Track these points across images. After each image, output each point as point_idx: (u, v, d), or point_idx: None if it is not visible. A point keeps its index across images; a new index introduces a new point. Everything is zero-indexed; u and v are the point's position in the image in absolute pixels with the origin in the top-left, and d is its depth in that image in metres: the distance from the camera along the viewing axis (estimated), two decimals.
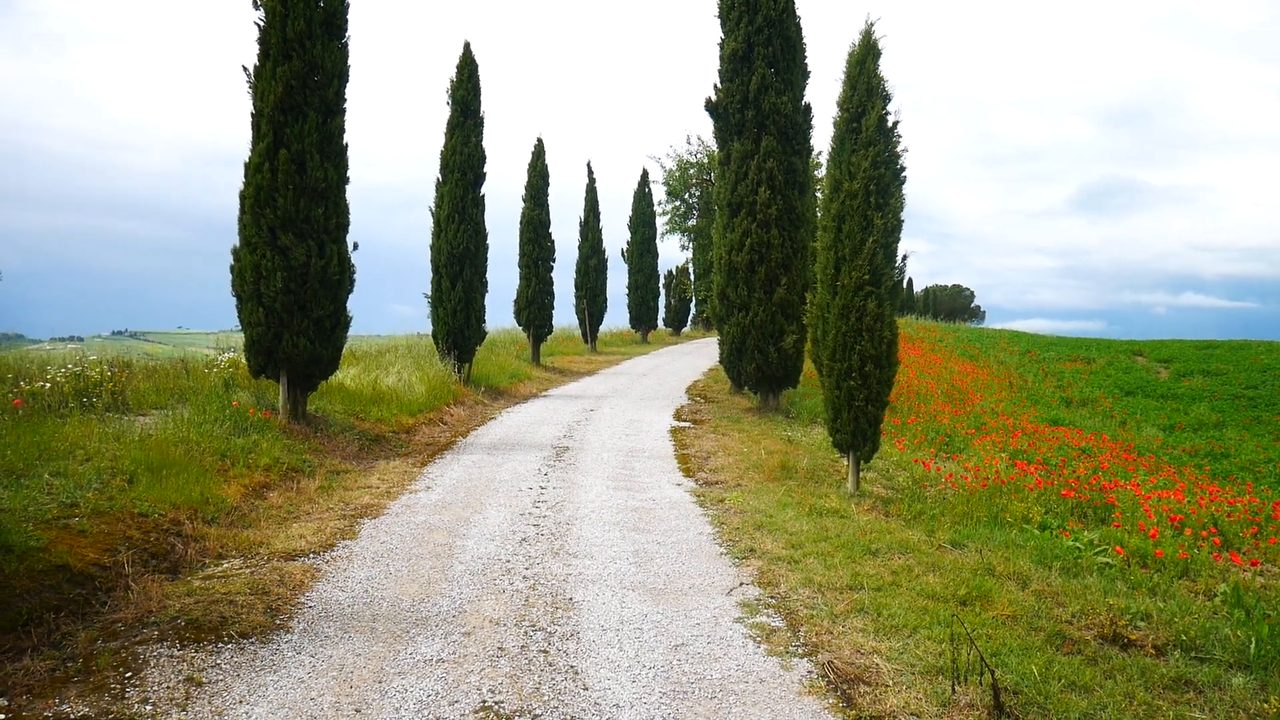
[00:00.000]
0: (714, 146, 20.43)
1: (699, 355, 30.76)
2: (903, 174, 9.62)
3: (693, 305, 43.99)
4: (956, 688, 4.40)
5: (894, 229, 9.53)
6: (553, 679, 4.50)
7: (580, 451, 11.85)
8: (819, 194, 17.37)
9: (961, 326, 49.86)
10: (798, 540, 7.40)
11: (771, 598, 6.03)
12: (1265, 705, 4.50)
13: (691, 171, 20.90)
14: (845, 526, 7.98)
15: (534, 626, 5.26)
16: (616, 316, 45.79)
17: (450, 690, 4.34)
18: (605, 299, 31.20)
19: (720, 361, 17.64)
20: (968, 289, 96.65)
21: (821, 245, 9.93)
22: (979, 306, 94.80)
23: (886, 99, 9.29)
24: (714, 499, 9.22)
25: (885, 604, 5.76)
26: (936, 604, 5.82)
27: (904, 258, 9.69)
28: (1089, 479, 10.72)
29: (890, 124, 9.35)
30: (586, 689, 4.41)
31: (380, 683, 4.40)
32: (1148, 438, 21.16)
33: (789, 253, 15.88)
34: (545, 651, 4.87)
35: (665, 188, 21.42)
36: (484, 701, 4.23)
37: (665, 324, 43.65)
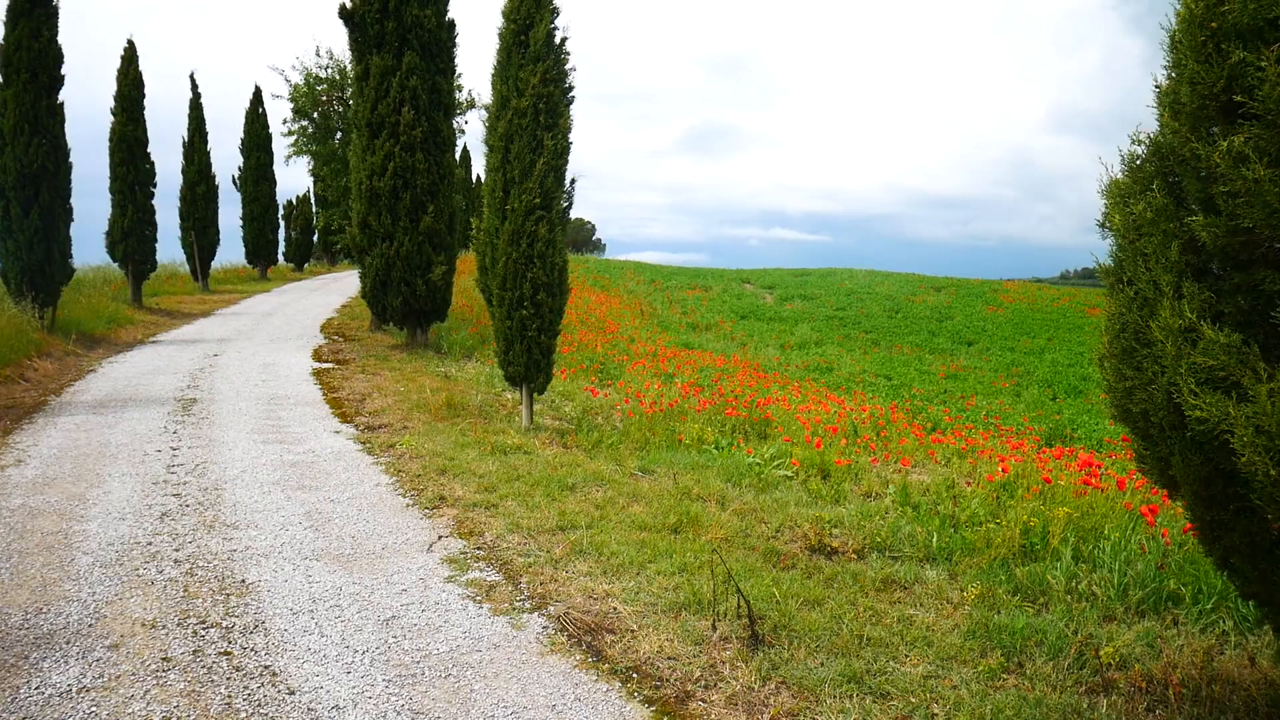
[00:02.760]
0: (347, 61, 18.68)
1: (329, 291, 28.74)
2: (571, 94, 9.20)
3: (315, 237, 40.92)
4: (717, 625, 4.17)
5: (564, 151, 9.13)
6: (246, 687, 3.61)
7: (212, 403, 10.32)
8: (459, 118, 16.54)
9: (590, 258, 51.48)
10: (489, 483, 6.88)
11: (479, 549, 5.47)
12: (963, 594, 4.80)
13: (321, 88, 18.78)
14: (533, 463, 7.59)
15: (204, 623, 4.25)
16: (231, 251, 41.52)
17: None
18: (217, 231, 27.86)
19: (362, 296, 16.38)
20: (589, 222, 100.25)
21: (488, 167, 9.30)
22: (600, 239, 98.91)
23: (555, 12, 8.79)
24: (383, 445, 8.39)
25: (602, 542, 5.44)
26: (652, 535, 5.63)
27: (573, 181, 9.34)
28: (745, 398, 11.29)
29: (559, 40, 8.86)
30: (293, 692, 3.59)
31: None
32: (768, 357, 23.19)
33: (435, 178, 14.98)
34: (227, 653, 3.93)
35: (292, 105, 19.10)
36: None
37: (287, 258, 40.19)
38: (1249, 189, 2.20)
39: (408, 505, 6.43)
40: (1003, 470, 6.74)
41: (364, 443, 8.48)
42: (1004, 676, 3.84)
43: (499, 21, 9.00)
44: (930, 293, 39.34)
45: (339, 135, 20.27)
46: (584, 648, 4.08)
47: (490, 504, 6.35)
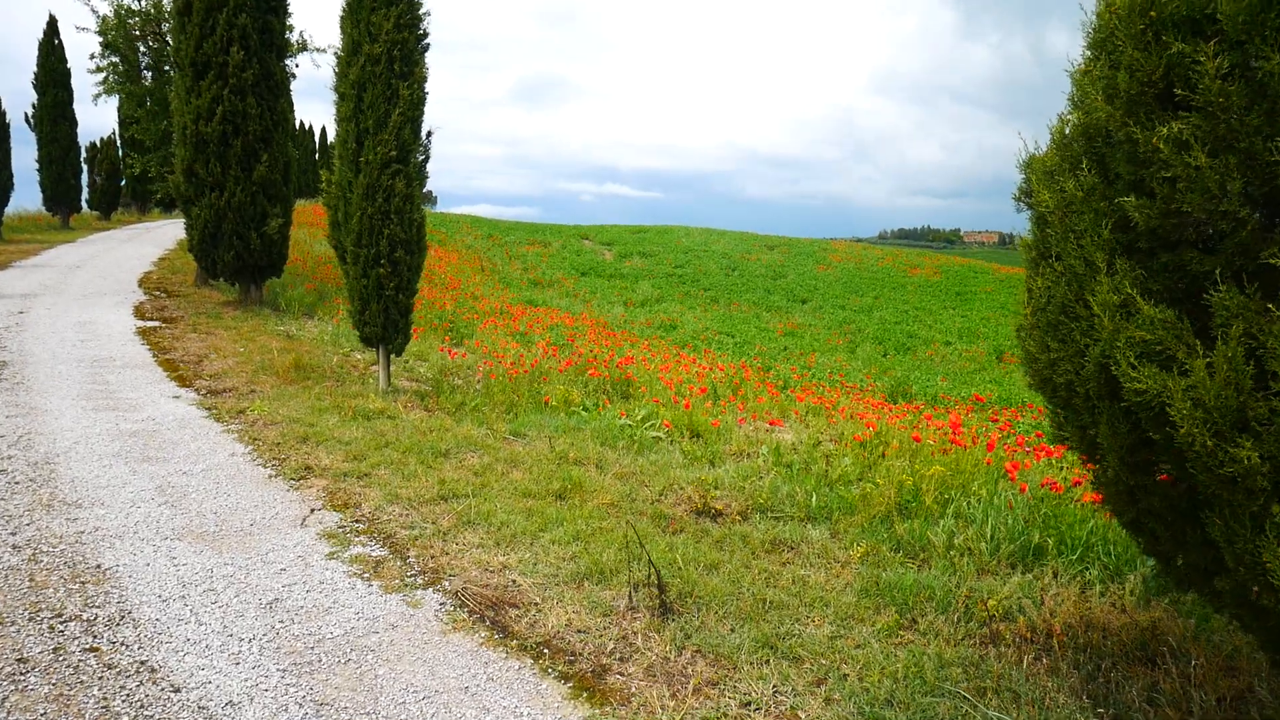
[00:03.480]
0: None
1: (143, 242, 26.64)
2: (426, 40, 8.76)
3: (124, 183, 37.63)
4: (634, 596, 4.12)
5: (420, 101, 8.72)
6: (123, 687, 3.29)
7: (25, 366, 9.37)
8: (293, 63, 15.59)
9: (424, 211, 50.07)
10: (358, 450, 6.57)
11: (358, 522, 5.21)
12: (849, 553, 4.96)
13: (134, 21, 16.96)
14: (399, 428, 7.31)
15: (61, 616, 3.84)
16: (26, 197, 37.79)
17: None
18: (10, 175, 25.19)
19: (189, 249, 15.26)
20: None
21: (339, 116, 8.78)
22: (431, 191, 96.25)
23: None
24: (231, 410, 7.86)
25: (489, 511, 5.30)
26: (539, 503, 5.52)
27: (429, 134, 8.95)
28: (605, 357, 11.25)
29: None
30: (178, 689, 3.30)
31: None
32: (614, 314, 23.25)
33: (269, 124, 14.06)
34: (94, 649, 3.57)
35: (101, 39, 17.15)
36: None
37: (91, 206, 36.73)
38: (1189, 174, 2.30)
39: (271, 476, 6.05)
40: (870, 429, 7.01)
41: (209, 409, 7.91)
42: (901, 633, 3.99)
43: None
44: (764, 251, 40.49)
45: (150, 75, 18.55)
46: (488, 624, 3.96)
47: (362, 473, 6.06)
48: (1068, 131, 2.81)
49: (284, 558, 4.63)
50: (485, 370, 9.95)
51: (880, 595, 4.35)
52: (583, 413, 8.31)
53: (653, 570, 4.06)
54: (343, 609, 4.06)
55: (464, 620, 3.99)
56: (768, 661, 3.61)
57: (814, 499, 5.78)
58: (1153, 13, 2.43)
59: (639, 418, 7.85)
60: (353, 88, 8.51)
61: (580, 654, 3.69)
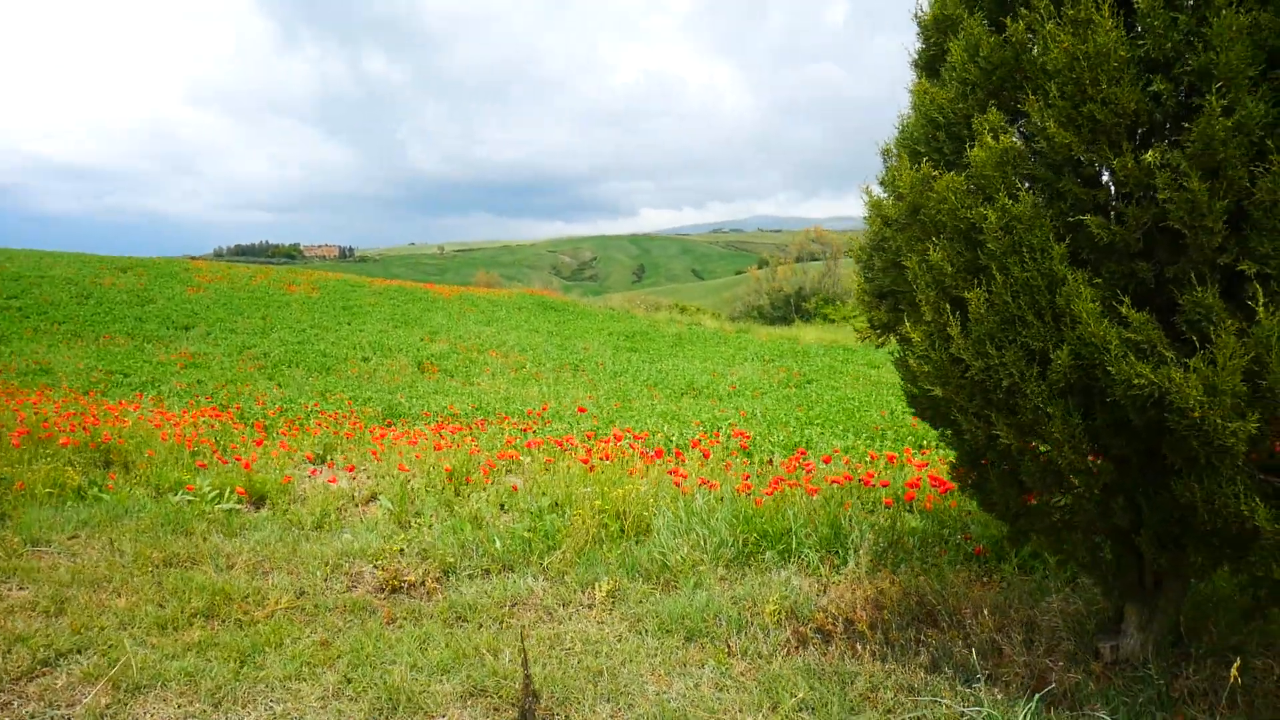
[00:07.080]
0: None
1: None
2: None
3: None
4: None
5: None
6: None
7: None
8: None
9: None
10: None
11: None
12: (592, 594, 4.59)
13: None
14: None
15: None
16: None
17: None
18: None
19: None
20: None
21: None
22: None
23: None
24: None
25: (149, 663, 3.74)
26: (197, 632, 4.10)
27: None
28: (57, 419, 8.67)
29: None
30: None
31: None
32: None
33: None
34: None
35: None
36: None
37: None
38: (1179, 196, 2.61)
39: None
40: (499, 458, 6.62)
41: None
42: (731, 661, 3.85)
43: None
44: (117, 274, 35.68)
45: None
46: None
47: None
48: (998, 157, 2.97)
49: None
50: None
51: (676, 631, 4.15)
52: (101, 496, 6.40)
53: (527, 685, 3.28)
54: None
55: None
56: None
57: (498, 544, 5.28)
58: (1122, 52, 2.69)
59: (205, 490, 6.31)
60: None
61: None
